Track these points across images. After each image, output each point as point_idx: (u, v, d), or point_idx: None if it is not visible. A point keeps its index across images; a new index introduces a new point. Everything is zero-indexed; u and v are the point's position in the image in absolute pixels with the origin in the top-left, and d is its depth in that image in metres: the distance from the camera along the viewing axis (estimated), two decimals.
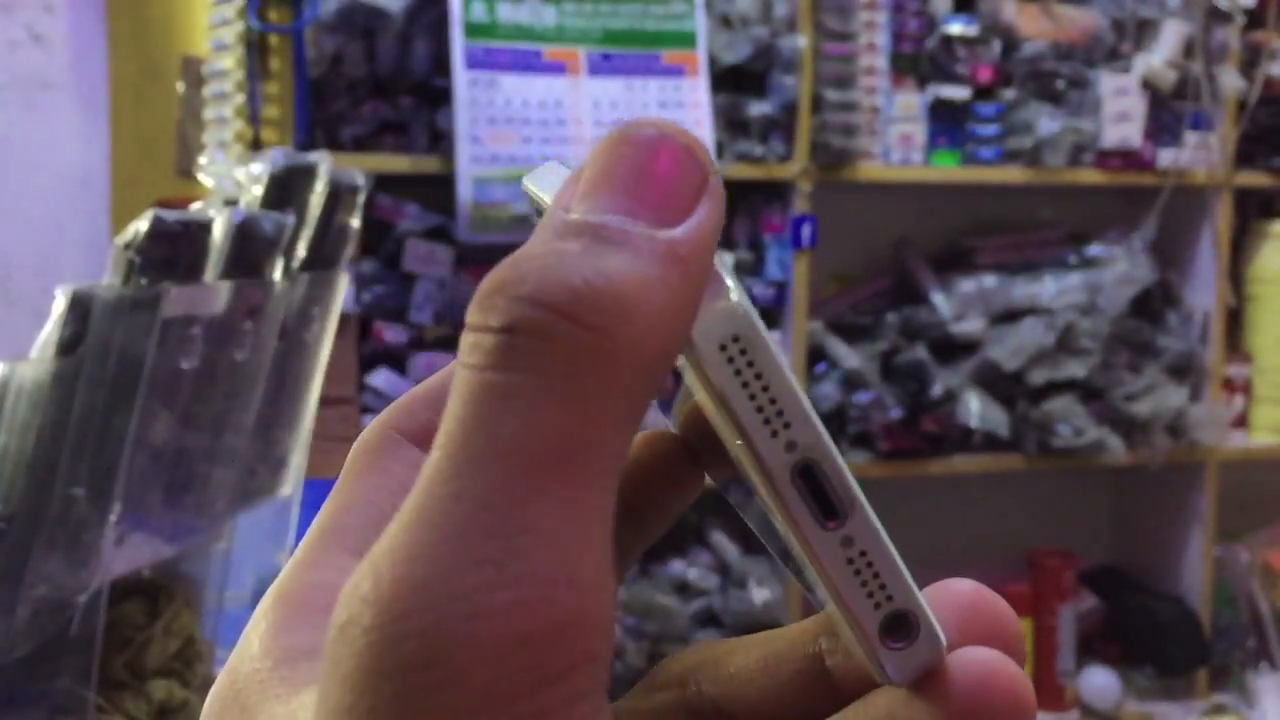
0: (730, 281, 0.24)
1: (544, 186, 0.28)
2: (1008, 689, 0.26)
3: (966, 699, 0.26)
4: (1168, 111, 2.83)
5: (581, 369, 0.22)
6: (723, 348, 0.24)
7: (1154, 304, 2.86)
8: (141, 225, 1.08)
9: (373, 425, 0.30)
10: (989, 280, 2.77)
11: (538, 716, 0.21)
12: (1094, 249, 2.84)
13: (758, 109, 2.56)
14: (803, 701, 0.30)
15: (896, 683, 0.26)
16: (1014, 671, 0.26)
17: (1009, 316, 2.76)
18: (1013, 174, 2.75)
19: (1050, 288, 2.76)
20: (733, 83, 2.58)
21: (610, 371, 0.22)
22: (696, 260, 0.23)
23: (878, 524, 0.26)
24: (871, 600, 0.26)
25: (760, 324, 0.24)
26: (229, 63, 2.39)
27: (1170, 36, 2.78)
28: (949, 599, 0.28)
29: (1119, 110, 2.75)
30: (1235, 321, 2.99)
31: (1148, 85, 2.79)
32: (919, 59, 2.70)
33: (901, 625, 0.26)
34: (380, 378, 2.42)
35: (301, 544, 0.29)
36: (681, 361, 0.25)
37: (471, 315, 0.23)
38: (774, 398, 0.24)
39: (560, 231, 0.23)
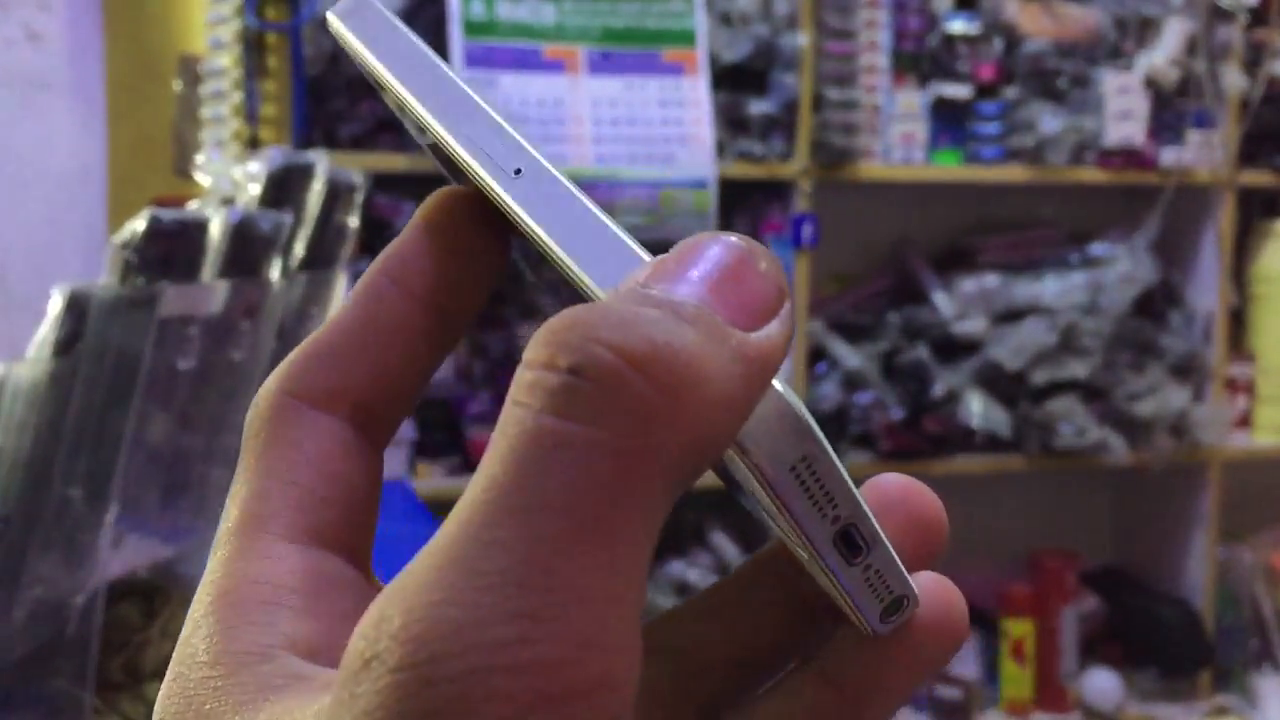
0: (795, 400, 0.25)
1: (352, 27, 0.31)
2: (959, 618, 0.30)
3: (931, 640, 0.30)
4: (1170, 110, 2.82)
5: (643, 429, 0.22)
6: (793, 468, 0.25)
7: (1156, 304, 2.86)
8: (138, 224, 1.07)
9: (265, 392, 0.29)
10: (991, 280, 2.76)
11: None
12: (1096, 248, 2.83)
13: (758, 107, 2.55)
14: (772, 621, 0.31)
15: (881, 635, 0.29)
16: (957, 597, 0.30)
17: (1011, 316, 2.75)
18: (1015, 173, 2.74)
19: (1052, 287, 2.76)
20: (733, 81, 2.58)
21: (669, 438, 0.22)
22: (762, 367, 0.23)
23: (885, 537, 0.28)
24: (877, 599, 0.28)
25: (824, 441, 0.26)
26: (226, 61, 2.38)
27: (1173, 35, 2.77)
28: (880, 492, 0.31)
29: (1121, 109, 2.75)
30: (1238, 321, 2.98)
31: (1150, 84, 2.78)
32: (920, 57, 2.69)
33: (897, 607, 0.29)
34: None
35: (224, 533, 0.28)
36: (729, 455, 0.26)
37: (535, 351, 0.22)
38: (828, 491, 0.26)
39: (638, 299, 0.23)
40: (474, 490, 0.22)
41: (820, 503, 0.26)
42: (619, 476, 0.22)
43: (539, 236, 0.27)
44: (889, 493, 0.31)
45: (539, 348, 0.22)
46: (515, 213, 0.27)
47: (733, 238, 0.24)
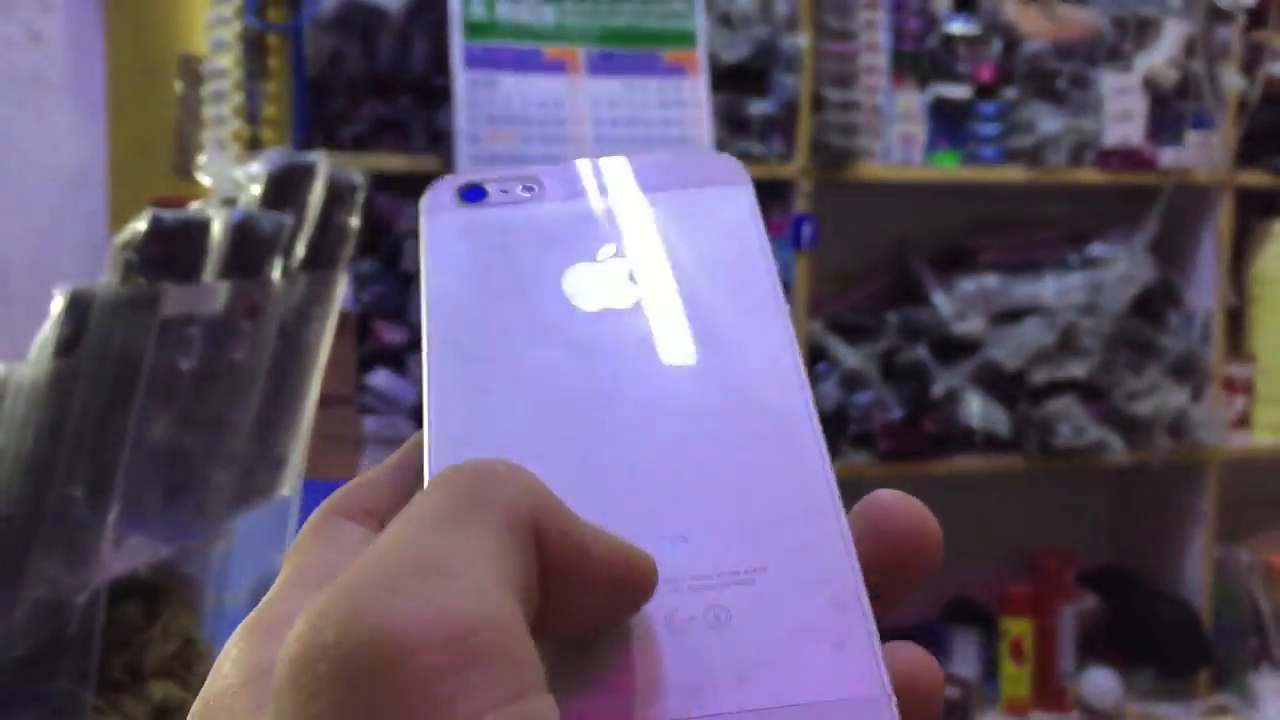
0: None
1: None
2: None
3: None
4: (1169, 111, 2.83)
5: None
6: None
7: (1155, 304, 2.86)
8: (140, 225, 1.07)
9: (319, 510, 0.34)
10: (990, 280, 2.77)
11: None
12: (1095, 248, 2.84)
13: (758, 108, 2.55)
14: None
15: None
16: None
17: (1010, 316, 2.75)
18: (1014, 173, 2.75)
19: (1051, 287, 2.76)
20: (733, 82, 2.58)
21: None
22: None
23: None
24: None
25: None
26: (227, 61, 2.38)
27: (1171, 35, 2.78)
28: (876, 506, 0.33)
29: (1120, 109, 2.75)
30: (1237, 321, 2.99)
31: (1149, 84, 2.79)
32: (920, 58, 2.70)
33: None
34: (379, 377, 2.41)
35: (269, 592, 0.31)
36: None
37: None
38: None
39: None
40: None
41: None
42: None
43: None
44: (884, 505, 0.33)
45: None
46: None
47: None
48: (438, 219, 0.36)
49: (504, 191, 0.36)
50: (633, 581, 0.29)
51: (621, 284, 0.34)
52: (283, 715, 0.24)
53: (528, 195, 0.36)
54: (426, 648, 0.23)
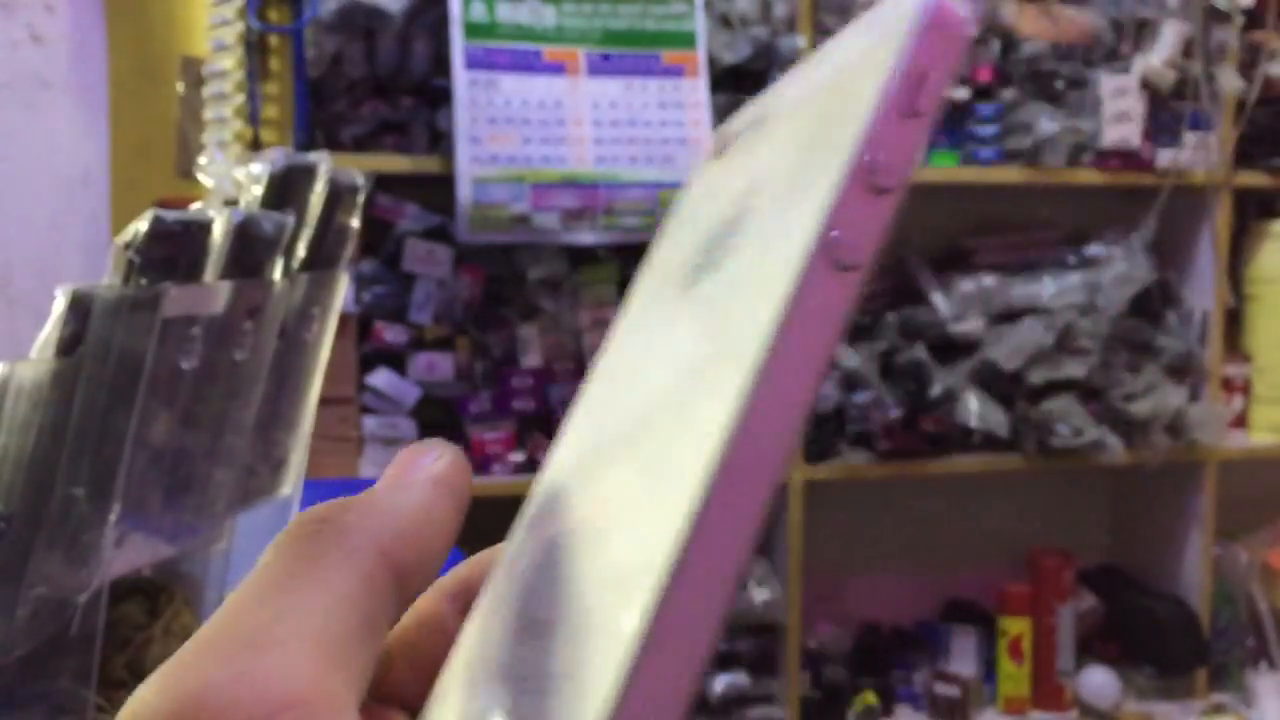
0: None
1: None
2: None
3: None
4: (1167, 112, 2.83)
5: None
6: None
7: (1153, 304, 2.87)
8: (141, 225, 1.08)
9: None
10: (988, 280, 2.77)
11: None
12: (1093, 249, 2.84)
13: None
14: None
15: None
16: None
17: (1008, 316, 2.76)
18: (1012, 174, 2.75)
19: (1049, 288, 2.77)
20: (732, 82, 2.59)
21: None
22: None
23: None
24: None
25: None
26: (229, 63, 2.39)
27: (1169, 37, 2.78)
28: None
29: (1118, 110, 2.76)
30: (1234, 321, 2.99)
31: (1147, 85, 2.79)
32: None
33: None
34: (380, 378, 2.42)
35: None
36: None
37: None
38: None
39: None
40: None
41: None
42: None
43: None
44: None
45: None
46: None
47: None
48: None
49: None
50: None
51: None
52: None
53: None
54: None
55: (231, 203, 1.53)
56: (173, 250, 1.10)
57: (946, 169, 2.73)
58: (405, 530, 0.28)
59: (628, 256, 2.52)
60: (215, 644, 0.25)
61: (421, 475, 0.29)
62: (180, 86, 2.55)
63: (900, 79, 0.25)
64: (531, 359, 2.50)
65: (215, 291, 1.15)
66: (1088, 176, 2.79)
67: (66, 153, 3.00)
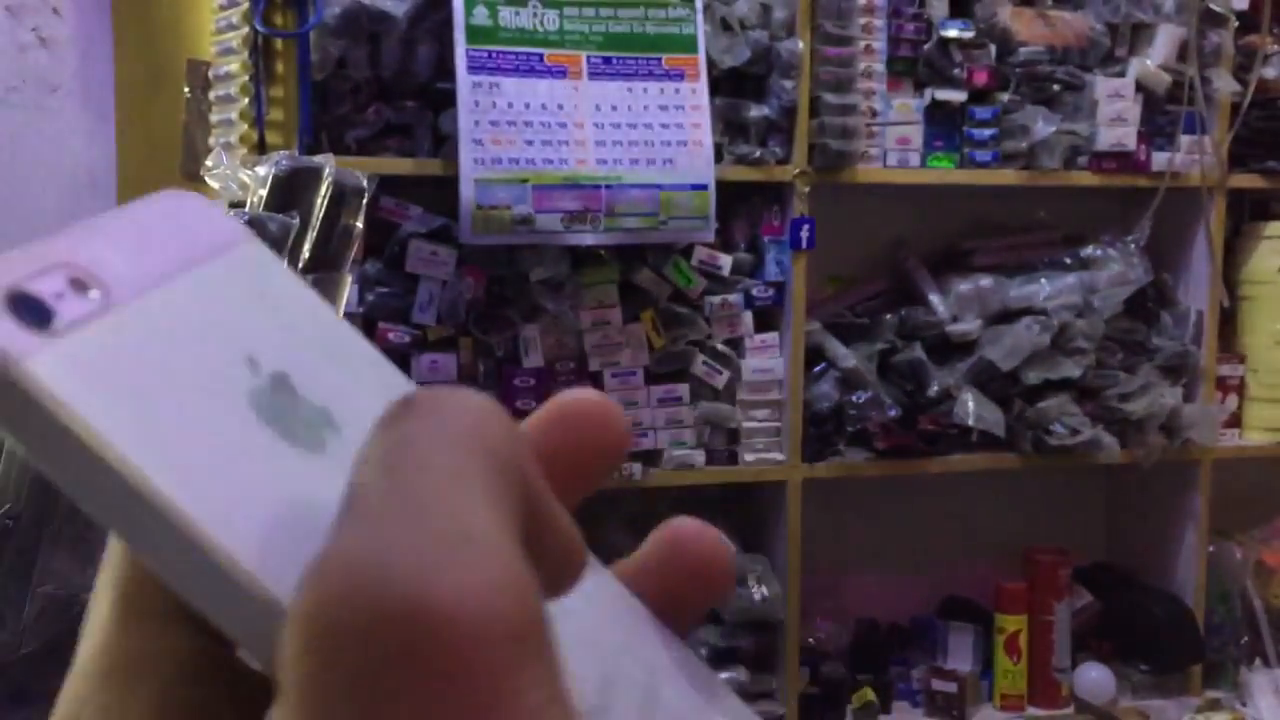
0: None
1: None
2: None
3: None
4: (1162, 114, 2.84)
5: None
6: None
7: (1148, 304, 2.88)
8: None
9: None
10: (985, 281, 2.78)
11: None
12: (1089, 250, 2.85)
13: (757, 112, 2.58)
14: None
15: None
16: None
17: (1005, 317, 2.77)
18: (1009, 176, 2.76)
19: (1046, 288, 2.78)
20: (732, 86, 2.61)
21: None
22: None
23: None
24: None
25: None
26: (234, 66, 2.41)
27: (1164, 40, 2.79)
28: (672, 536, 0.32)
29: (1114, 113, 2.77)
30: (1228, 322, 3.00)
31: (1142, 88, 2.81)
32: (916, 62, 2.72)
33: None
34: None
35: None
36: None
37: None
38: None
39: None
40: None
41: None
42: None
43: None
44: (680, 536, 0.32)
45: None
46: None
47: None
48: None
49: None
50: (571, 566, 0.26)
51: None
52: (306, 696, 0.21)
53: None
54: (491, 640, 0.21)
55: (237, 204, 1.55)
56: None
57: (944, 171, 2.74)
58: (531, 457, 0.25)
59: (629, 257, 2.54)
60: (426, 541, 0.22)
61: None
62: (186, 90, 2.57)
63: None
64: (534, 359, 2.52)
65: None
66: (1084, 179, 2.80)
67: (73, 155, 3.02)
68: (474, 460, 0.23)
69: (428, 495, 0.22)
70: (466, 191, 2.36)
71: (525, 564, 0.22)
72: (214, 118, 2.49)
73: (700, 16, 2.52)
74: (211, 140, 2.49)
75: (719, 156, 2.53)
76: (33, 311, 0.25)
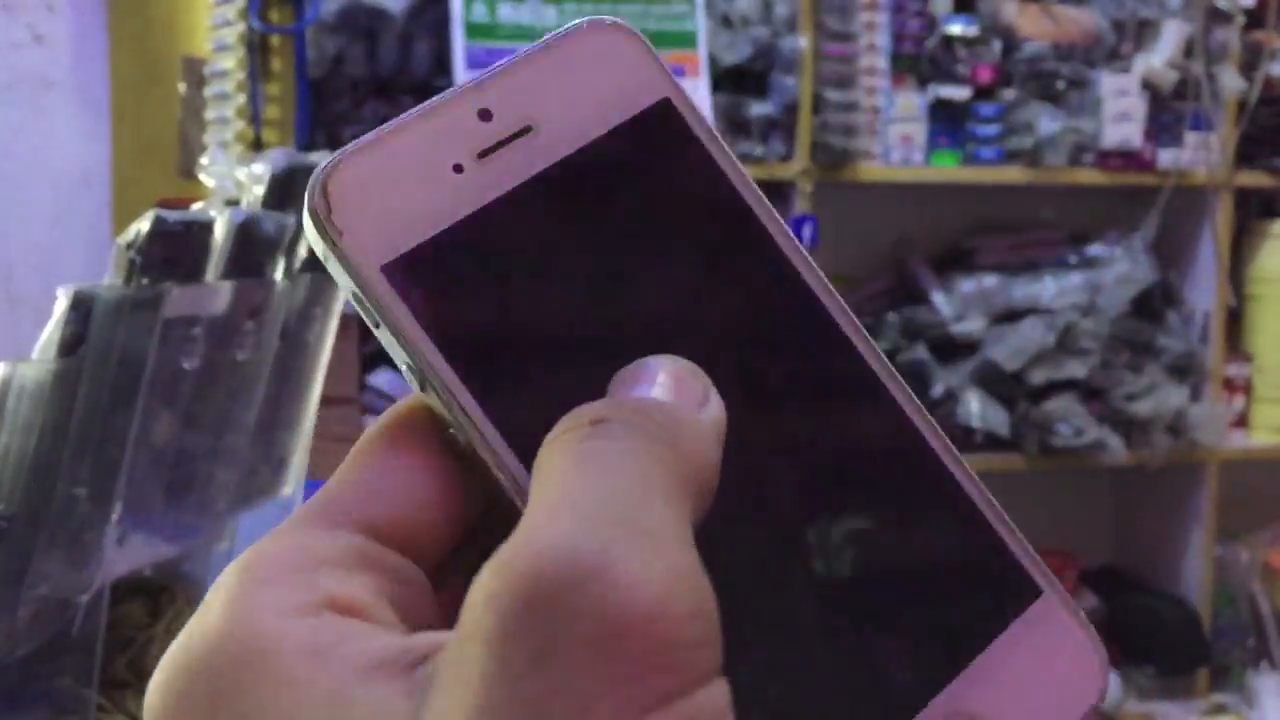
0: None
1: None
2: None
3: None
4: (1168, 112, 2.83)
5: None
6: None
7: (1154, 304, 2.87)
8: (143, 225, 1.08)
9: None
10: (989, 280, 2.77)
11: None
12: (1094, 249, 2.84)
13: (758, 109, 2.56)
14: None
15: None
16: None
17: (1009, 316, 2.76)
18: (1013, 174, 2.75)
19: (1051, 288, 2.77)
20: (733, 83, 2.59)
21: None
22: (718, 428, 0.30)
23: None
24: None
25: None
26: (230, 63, 2.39)
27: (1170, 37, 2.78)
28: None
29: (1119, 110, 2.76)
30: (1235, 321, 2.99)
31: (1148, 85, 2.79)
32: (919, 59, 2.71)
33: None
34: (381, 377, 2.42)
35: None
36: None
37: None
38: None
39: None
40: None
41: None
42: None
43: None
44: None
45: None
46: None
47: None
48: None
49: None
50: None
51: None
52: (507, 641, 0.23)
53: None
54: (674, 616, 0.23)
55: (233, 203, 1.53)
56: (174, 250, 1.10)
57: (948, 169, 2.73)
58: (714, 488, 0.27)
59: None
60: (624, 531, 0.24)
61: (708, 419, 0.28)
62: (182, 87, 2.55)
63: None
64: None
65: (217, 291, 1.16)
66: (1089, 176, 2.79)
67: (68, 153, 3.00)
68: (659, 464, 0.26)
69: (613, 493, 0.25)
70: None
71: (697, 557, 0.25)
72: (210, 115, 2.47)
73: (701, 12, 2.50)
74: (207, 137, 2.47)
75: None
76: None
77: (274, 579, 0.27)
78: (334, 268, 0.29)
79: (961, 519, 0.33)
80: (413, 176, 0.29)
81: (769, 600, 0.29)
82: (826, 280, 0.33)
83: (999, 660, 0.31)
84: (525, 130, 0.30)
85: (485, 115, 0.30)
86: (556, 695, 0.23)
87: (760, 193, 0.33)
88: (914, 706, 0.29)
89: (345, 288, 0.29)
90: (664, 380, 0.28)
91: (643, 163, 0.31)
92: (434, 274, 0.29)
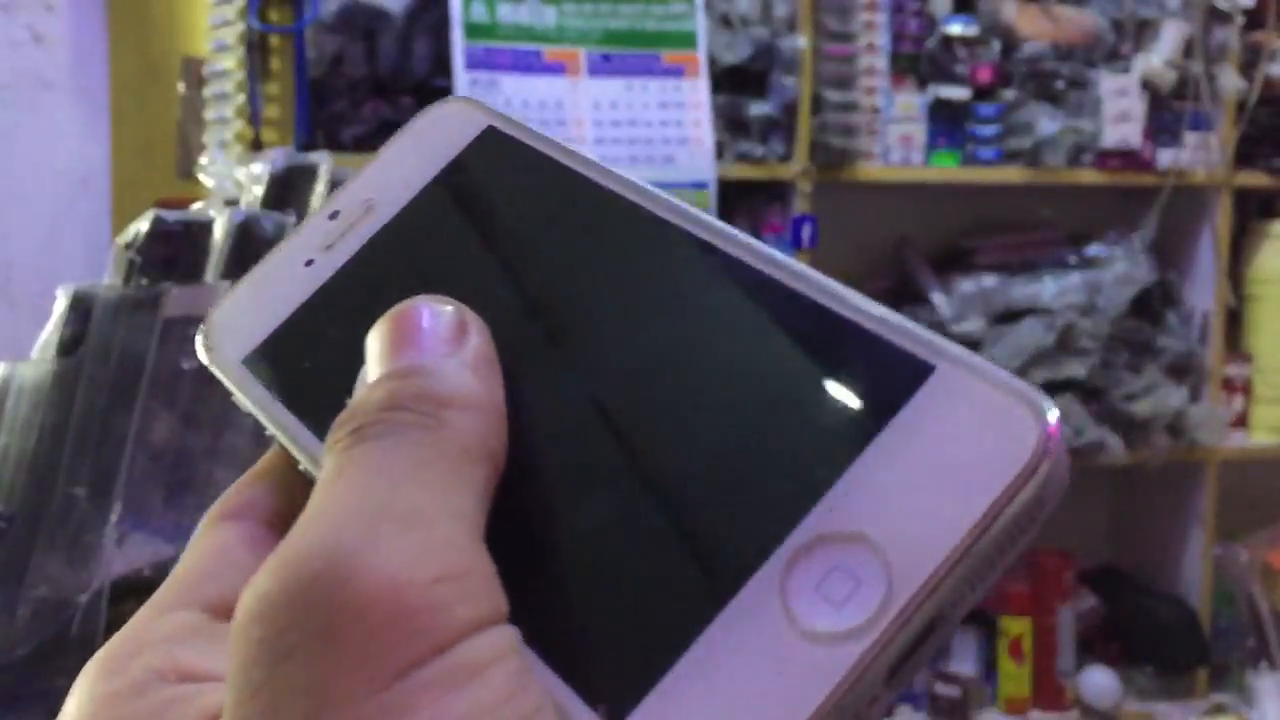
0: None
1: None
2: None
3: None
4: (1167, 112, 2.83)
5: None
6: None
7: (1154, 304, 2.87)
8: (142, 225, 1.08)
9: (202, 520, 0.34)
10: (989, 280, 2.77)
11: None
12: (1094, 249, 2.84)
13: (758, 109, 2.56)
14: None
15: None
16: None
17: (1009, 317, 2.76)
18: (1012, 174, 2.75)
19: (1050, 288, 2.77)
20: (733, 83, 2.59)
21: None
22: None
23: None
24: None
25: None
26: (230, 63, 2.39)
27: (1170, 37, 2.78)
28: None
29: (1119, 110, 2.76)
30: (1235, 321, 2.99)
31: (1147, 85, 2.79)
32: (919, 59, 2.70)
33: None
34: None
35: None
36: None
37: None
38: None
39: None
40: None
41: None
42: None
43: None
44: None
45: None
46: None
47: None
48: None
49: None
50: None
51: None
52: (250, 652, 0.24)
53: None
54: (416, 584, 0.24)
55: (232, 203, 1.53)
56: (173, 250, 1.10)
57: (947, 169, 2.73)
58: (499, 426, 0.28)
59: None
60: (370, 522, 0.25)
61: (475, 358, 0.29)
62: (181, 87, 2.55)
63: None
64: None
65: (216, 291, 1.15)
66: (1088, 176, 2.79)
67: (67, 153, 3.00)
68: (416, 448, 0.26)
69: (367, 489, 0.26)
70: None
71: (464, 521, 0.26)
72: (209, 115, 2.47)
73: (700, 12, 2.50)
74: (207, 137, 2.47)
75: (720, 154, 2.51)
76: None
77: (117, 670, 0.29)
78: (216, 374, 0.34)
79: (797, 325, 0.31)
80: (272, 284, 0.34)
81: (600, 457, 0.29)
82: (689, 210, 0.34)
83: (882, 463, 0.27)
84: (367, 212, 0.34)
85: (334, 215, 0.35)
86: (285, 695, 0.23)
87: (619, 174, 0.35)
88: (768, 542, 0.26)
89: (227, 386, 0.34)
90: (418, 330, 0.29)
91: (471, 185, 0.34)
92: (282, 348, 0.33)
